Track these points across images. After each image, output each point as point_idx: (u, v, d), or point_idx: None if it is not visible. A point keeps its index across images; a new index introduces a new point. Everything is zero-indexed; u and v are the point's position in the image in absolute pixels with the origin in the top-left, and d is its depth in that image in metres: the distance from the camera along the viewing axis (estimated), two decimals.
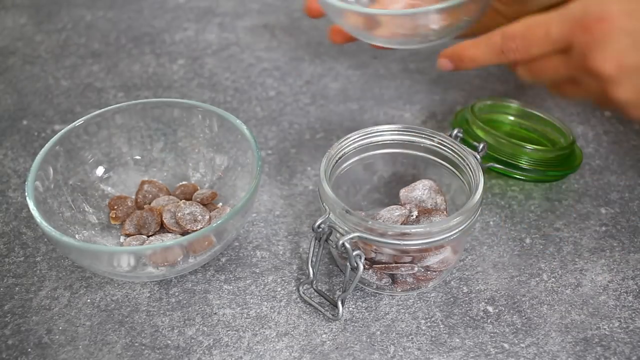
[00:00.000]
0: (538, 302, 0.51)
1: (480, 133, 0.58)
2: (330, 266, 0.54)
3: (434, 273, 0.50)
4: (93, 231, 0.54)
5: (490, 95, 0.71)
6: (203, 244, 0.49)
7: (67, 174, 0.54)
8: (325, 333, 0.49)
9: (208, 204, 0.56)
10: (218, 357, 0.47)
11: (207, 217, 0.54)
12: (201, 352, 0.48)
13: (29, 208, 0.49)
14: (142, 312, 0.50)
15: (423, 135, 0.53)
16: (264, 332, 0.49)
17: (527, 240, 0.56)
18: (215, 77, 0.74)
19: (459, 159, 0.52)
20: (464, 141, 0.56)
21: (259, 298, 0.51)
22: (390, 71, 0.75)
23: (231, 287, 0.52)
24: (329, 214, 0.48)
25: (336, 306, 0.49)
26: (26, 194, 0.48)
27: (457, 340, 0.48)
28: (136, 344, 0.48)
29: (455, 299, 0.51)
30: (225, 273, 0.53)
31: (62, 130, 0.54)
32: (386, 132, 0.54)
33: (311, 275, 0.50)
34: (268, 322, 0.49)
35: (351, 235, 0.46)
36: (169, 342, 0.48)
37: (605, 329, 0.49)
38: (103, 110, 0.56)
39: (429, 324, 0.49)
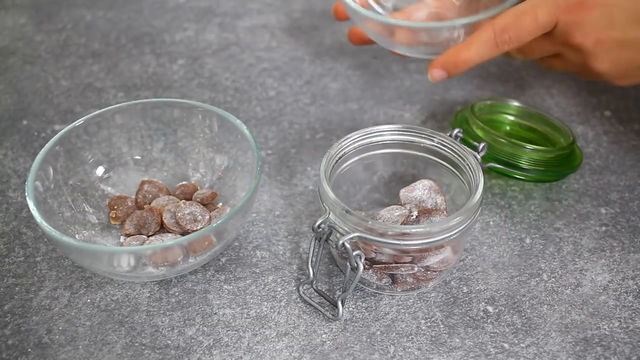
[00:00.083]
0: (538, 302, 0.51)
1: (480, 133, 0.58)
2: (330, 266, 0.54)
3: (434, 273, 0.50)
4: (93, 231, 0.54)
5: (490, 95, 0.71)
6: (203, 244, 0.49)
7: (67, 174, 0.54)
8: (325, 333, 0.49)
9: (208, 204, 0.56)
10: (218, 357, 0.47)
11: (207, 217, 0.54)
12: (201, 352, 0.48)
13: (29, 208, 0.49)
14: (142, 312, 0.50)
15: (423, 135, 0.53)
16: (264, 332, 0.49)
17: (527, 240, 0.56)
18: (215, 77, 0.74)
19: (459, 159, 0.52)
20: (464, 141, 0.56)
21: (259, 298, 0.51)
22: (390, 71, 0.75)
23: (231, 287, 0.52)
24: (329, 214, 0.48)
25: (336, 306, 0.49)
26: (26, 194, 0.48)
27: (457, 340, 0.48)
28: (136, 344, 0.48)
29: (455, 299, 0.51)
30: (225, 273, 0.53)
31: (62, 130, 0.54)
32: (386, 132, 0.54)
33: (311, 275, 0.50)
34: (268, 322, 0.49)
35: (351, 235, 0.46)
36: (169, 342, 0.48)
37: (605, 329, 0.49)
38: (103, 110, 0.56)
39: (429, 324, 0.49)
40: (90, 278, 0.53)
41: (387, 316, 0.50)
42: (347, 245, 0.45)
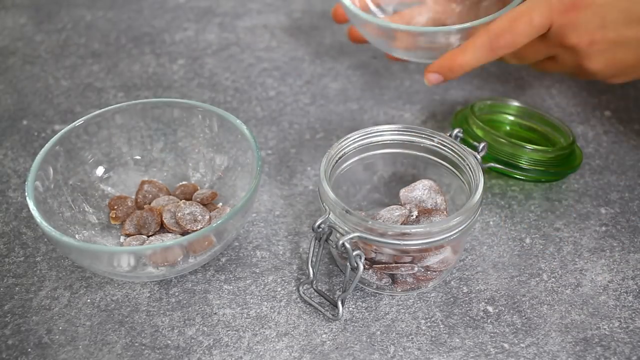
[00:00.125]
0: (538, 302, 0.51)
1: (480, 133, 0.59)
2: (330, 266, 0.54)
3: (434, 273, 0.50)
4: (93, 231, 0.54)
5: (490, 95, 0.71)
6: (203, 244, 0.49)
7: (67, 174, 0.54)
8: (325, 333, 0.49)
9: (208, 204, 0.56)
10: (218, 357, 0.47)
11: (207, 217, 0.54)
12: (201, 352, 0.48)
13: (29, 208, 0.49)
14: (142, 312, 0.50)
15: (423, 135, 0.53)
16: (264, 332, 0.49)
17: (527, 240, 0.56)
18: (215, 77, 0.74)
19: (459, 159, 0.52)
20: (464, 141, 0.56)
21: (259, 298, 0.51)
22: (390, 71, 0.75)
23: (231, 287, 0.52)
24: (329, 214, 0.48)
25: (336, 306, 0.49)
26: (26, 194, 0.48)
27: (457, 340, 0.48)
28: (136, 344, 0.48)
29: (455, 299, 0.51)
30: (225, 273, 0.53)
31: (62, 130, 0.54)
32: (386, 132, 0.54)
33: (311, 275, 0.50)
34: (268, 322, 0.49)
35: (351, 235, 0.46)
36: (169, 342, 0.48)
37: (605, 329, 0.49)
38: (103, 110, 0.56)
39: (429, 324, 0.49)
40: (90, 278, 0.53)
41: (387, 316, 0.50)
42: (347, 245, 0.45)
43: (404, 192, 0.53)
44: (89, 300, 0.51)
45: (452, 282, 0.52)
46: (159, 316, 0.50)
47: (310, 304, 0.50)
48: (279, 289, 0.52)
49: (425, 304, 0.51)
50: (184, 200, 0.55)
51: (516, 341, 0.48)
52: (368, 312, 0.50)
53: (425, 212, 0.51)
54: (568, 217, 0.57)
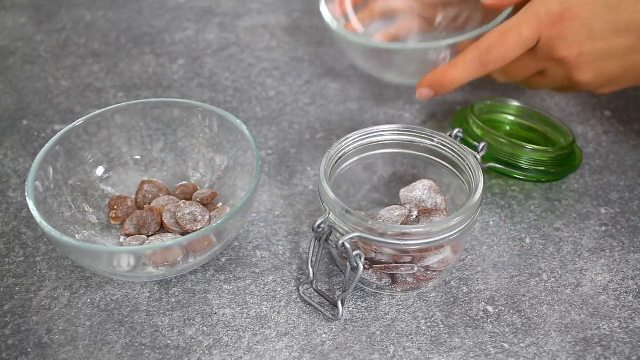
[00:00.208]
0: (538, 302, 0.51)
1: (480, 133, 0.59)
2: (330, 266, 0.54)
3: (434, 273, 0.50)
4: (93, 231, 0.54)
5: (490, 95, 0.71)
6: (203, 244, 0.49)
7: (67, 174, 0.54)
8: (325, 333, 0.49)
9: (208, 204, 0.56)
10: (218, 357, 0.47)
11: (207, 217, 0.54)
12: (201, 352, 0.48)
13: (29, 208, 0.49)
14: (142, 312, 0.50)
15: (423, 135, 0.53)
16: (264, 332, 0.49)
17: (527, 240, 0.56)
18: (215, 77, 0.74)
19: (459, 159, 0.52)
20: (463, 141, 0.56)
21: (259, 298, 0.51)
22: None
23: (231, 287, 0.52)
24: (329, 214, 0.48)
25: (336, 306, 0.49)
26: (26, 194, 0.48)
27: (457, 340, 0.48)
28: (136, 344, 0.48)
29: (455, 299, 0.51)
30: (225, 273, 0.53)
31: (62, 130, 0.54)
32: (386, 132, 0.54)
33: (311, 275, 0.50)
34: (268, 322, 0.49)
35: (351, 235, 0.46)
36: (169, 342, 0.48)
37: (605, 329, 0.49)
38: (103, 110, 0.56)
39: (429, 324, 0.49)
40: (90, 278, 0.53)
41: (387, 316, 0.50)
42: (347, 245, 0.45)
43: (404, 192, 0.53)
44: (89, 300, 0.51)
45: (452, 282, 0.52)
46: (159, 316, 0.50)
47: (310, 304, 0.50)
48: (279, 289, 0.52)
49: (425, 304, 0.51)
50: (184, 200, 0.55)
51: (516, 341, 0.48)
52: (368, 312, 0.50)
53: (425, 212, 0.51)
54: (568, 217, 0.57)
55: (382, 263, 0.49)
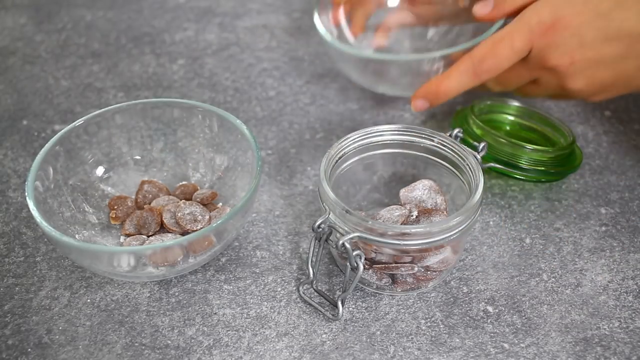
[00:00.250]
0: (538, 302, 0.51)
1: (480, 133, 0.59)
2: (330, 266, 0.54)
3: (434, 273, 0.50)
4: (93, 231, 0.54)
5: (490, 95, 0.71)
6: (203, 244, 0.49)
7: (67, 174, 0.54)
8: (325, 333, 0.49)
9: (208, 204, 0.56)
10: (218, 357, 0.47)
11: (207, 217, 0.54)
12: (201, 352, 0.48)
13: (29, 208, 0.49)
14: (142, 312, 0.50)
15: (423, 135, 0.53)
16: (264, 332, 0.49)
17: (527, 240, 0.56)
18: (215, 77, 0.74)
19: (459, 159, 0.52)
20: (463, 141, 0.56)
21: (259, 298, 0.51)
22: None
23: (231, 287, 0.52)
24: (329, 214, 0.48)
25: (336, 306, 0.49)
26: (26, 194, 0.48)
27: (457, 340, 0.48)
28: (136, 344, 0.48)
29: (455, 299, 0.51)
30: (225, 273, 0.53)
31: (62, 130, 0.54)
32: (386, 132, 0.54)
33: (311, 275, 0.50)
34: (268, 322, 0.49)
35: (351, 235, 0.46)
36: (169, 342, 0.48)
37: (605, 329, 0.49)
38: (103, 110, 0.56)
39: (429, 324, 0.49)
40: (90, 278, 0.53)
41: (387, 316, 0.50)
42: (347, 245, 0.45)
43: (404, 192, 0.53)
44: (89, 300, 0.51)
45: (452, 282, 0.52)
46: (159, 316, 0.50)
47: (310, 304, 0.50)
48: (279, 289, 0.52)
49: (425, 304, 0.51)
50: (184, 200, 0.55)
51: (516, 341, 0.48)
52: (368, 312, 0.50)
53: (425, 212, 0.51)
54: (568, 217, 0.57)
55: (382, 263, 0.49)
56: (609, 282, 0.52)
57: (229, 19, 0.84)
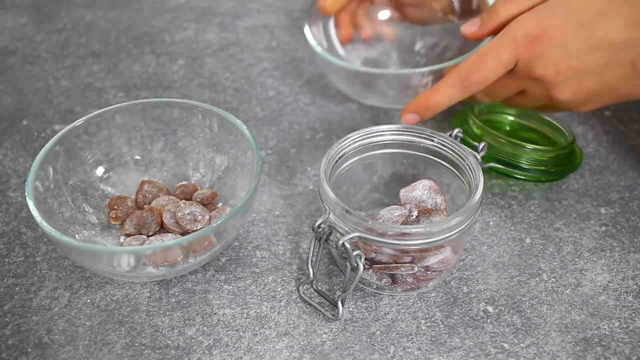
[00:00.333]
0: (538, 302, 0.51)
1: (480, 133, 0.59)
2: (330, 266, 0.54)
3: (434, 273, 0.50)
4: (93, 231, 0.54)
5: None
6: (203, 244, 0.49)
7: (67, 174, 0.54)
8: (325, 333, 0.49)
9: (208, 204, 0.56)
10: (218, 357, 0.47)
11: (207, 217, 0.54)
12: (201, 352, 0.48)
13: (29, 208, 0.49)
14: (142, 312, 0.50)
15: (423, 135, 0.53)
16: (264, 332, 0.49)
17: (527, 240, 0.56)
18: (215, 77, 0.74)
19: (459, 159, 0.52)
20: (463, 141, 0.56)
21: (259, 298, 0.51)
22: None
23: (231, 287, 0.52)
24: (329, 214, 0.48)
25: (336, 306, 0.49)
26: (26, 194, 0.48)
27: (457, 340, 0.48)
28: (136, 344, 0.48)
29: (455, 299, 0.51)
30: (225, 273, 0.53)
31: (62, 130, 0.54)
32: (386, 132, 0.54)
33: (311, 275, 0.50)
34: (268, 322, 0.49)
35: (351, 235, 0.46)
36: (169, 342, 0.48)
37: (605, 329, 0.49)
38: (103, 110, 0.56)
39: (429, 324, 0.49)
40: (90, 278, 0.53)
41: (387, 316, 0.50)
42: (347, 245, 0.45)
43: (404, 192, 0.53)
44: (89, 300, 0.51)
45: (452, 282, 0.52)
46: (159, 316, 0.50)
47: (310, 304, 0.50)
48: (279, 289, 0.52)
49: (425, 304, 0.51)
50: (184, 200, 0.55)
51: (516, 341, 0.48)
52: (368, 312, 0.50)
53: (425, 212, 0.51)
54: (568, 217, 0.57)
55: (382, 263, 0.49)
56: (609, 282, 0.52)
57: (229, 19, 0.84)
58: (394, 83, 0.60)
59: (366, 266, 0.49)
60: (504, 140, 0.57)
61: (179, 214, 0.54)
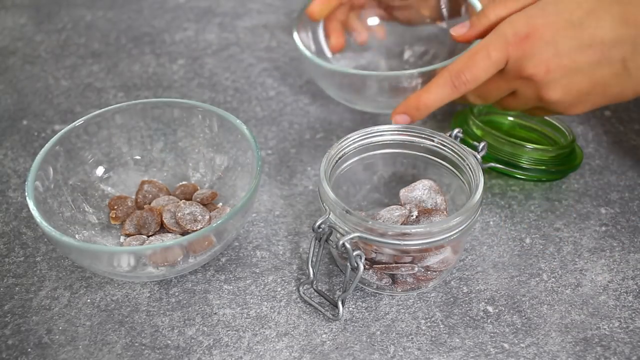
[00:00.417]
0: (538, 302, 0.51)
1: (479, 133, 0.59)
2: (330, 266, 0.54)
3: (434, 273, 0.50)
4: (93, 231, 0.54)
5: None
6: (203, 244, 0.49)
7: (67, 174, 0.54)
8: (325, 333, 0.49)
9: (208, 204, 0.56)
10: (218, 357, 0.47)
11: (207, 217, 0.54)
12: (201, 352, 0.48)
13: (29, 208, 0.49)
14: (142, 312, 0.50)
15: (423, 135, 0.53)
16: (264, 332, 0.49)
17: (527, 240, 0.56)
18: (215, 77, 0.74)
19: (459, 159, 0.52)
20: (463, 141, 0.56)
21: (259, 298, 0.51)
22: None
23: (231, 287, 0.52)
24: (329, 214, 0.48)
25: (336, 306, 0.49)
26: (26, 194, 0.48)
27: (457, 340, 0.48)
28: (136, 344, 0.48)
29: (455, 299, 0.51)
30: (225, 273, 0.53)
31: (62, 130, 0.54)
32: (386, 132, 0.54)
33: (311, 275, 0.50)
34: (268, 322, 0.49)
35: (351, 236, 0.46)
36: (169, 342, 0.48)
37: (605, 329, 0.49)
38: (103, 110, 0.56)
39: (429, 324, 0.49)
40: (90, 278, 0.53)
41: (387, 316, 0.50)
42: (347, 246, 0.45)
43: (404, 192, 0.53)
44: (89, 300, 0.51)
45: (452, 282, 0.52)
46: (159, 316, 0.50)
47: (310, 304, 0.50)
48: (279, 289, 0.52)
49: (425, 304, 0.51)
50: (184, 200, 0.55)
51: (516, 341, 0.48)
52: (368, 312, 0.50)
53: (425, 212, 0.51)
54: (568, 217, 0.57)
55: (382, 263, 0.49)
56: (609, 282, 0.52)
57: (229, 19, 0.84)
58: (383, 85, 0.60)
59: (366, 266, 0.49)
60: (504, 140, 0.57)
61: (179, 214, 0.54)
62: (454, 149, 0.52)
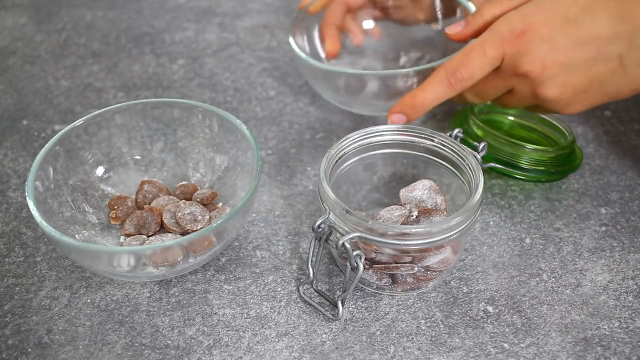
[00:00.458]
0: (538, 302, 0.51)
1: (479, 133, 0.59)
2: (330, 266, 0.54)
3: (434, 273, 0.50)
4: (93, 231, 0.54)
5: None
6: (203, 244, 0.49)
7: (67, 174, 0.54)
8: (325, 333, 0.49)
9: (208, 204, 0.56)
10: (218, 357, 0.47)
11: (207, 217, 0.54)
12: (201, 352, 0.48)
13: (29, 208, 0.49)
14: (142, 312, 0.50)
15: (423, 135, 0.53)
16: (264, 332, 0.49)
17: (527, 240, 0.56)
18: (215, 77, 0.74)
19: (459, 159, 0.52)
20: (463, 141, 0.56)
21: (259, 298, 0.51)
22: None
23: (231, 287, 0.52)
24: (329, 214, 0.48)
25: (336, 306, 0.49)
26: (26, 194, 0.48)
27: (457, 340, 0.48)
28: (136, 344, 0.48)
29: (455, 299, 0.51)
30: (225, 273, 0.53)
31: (62, 130, 0.54)
32: (386, 132, 0.54)
33: (311, 275, 0.50)
34: (268, 322, 0.49)
35: (351, 235, 0.46)
36: (169, 342, 0.48)
37: (605, 329, 0.49)
38: (103, 110, 0.56)
39: (429, 324, 0.49)
40: (90, 278, 0.53)
41: (387, 316, 0.50)
42: (347, 245, 0.45)
43: (404, 192, 0.53)
44: (89, 300, 0.51)
45: (452, 282, 0.52)
46: (159, 316, 0.50)
47: (310, 304, 0.50)
48: (279, 289, 0.52)
49: (425, 304, 0.51)
50: (184, 200, 0.55)
51: (516, 341, 0.48)
52: (368, 312, 0.50)
53: (425, 212, 0.51)
54: (568, 217, 0.57)
55: (382, 263, 0.49)
56: (609, 282, 0.52)
57: (229, 19, 0.84)
58: (379, 87, 0.60)
59: (366, 266, 0.49)
60: (504, 140, 0.57)
61: (179, 214, 0.54)
62: (454, 149, 0.52)
